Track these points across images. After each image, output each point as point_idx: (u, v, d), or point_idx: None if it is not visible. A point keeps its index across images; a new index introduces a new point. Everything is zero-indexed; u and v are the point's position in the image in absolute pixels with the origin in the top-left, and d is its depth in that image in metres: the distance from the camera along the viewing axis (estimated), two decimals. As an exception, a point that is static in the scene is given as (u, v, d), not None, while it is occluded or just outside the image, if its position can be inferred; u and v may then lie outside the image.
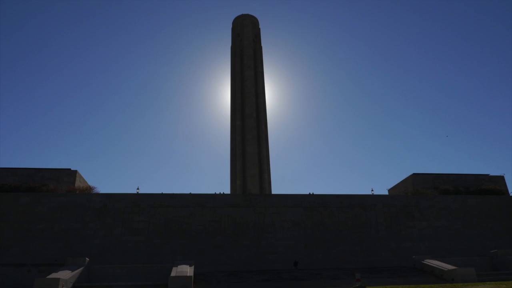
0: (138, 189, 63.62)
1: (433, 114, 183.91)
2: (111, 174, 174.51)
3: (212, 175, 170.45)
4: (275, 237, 60.34)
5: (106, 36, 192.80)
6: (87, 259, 46.16)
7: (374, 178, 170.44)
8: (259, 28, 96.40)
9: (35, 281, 37.09)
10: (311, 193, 65.24)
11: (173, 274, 41.45)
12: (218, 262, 57.17)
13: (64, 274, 39.67)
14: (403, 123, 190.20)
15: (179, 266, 44.71)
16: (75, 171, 68.39)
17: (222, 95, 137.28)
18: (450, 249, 63.29)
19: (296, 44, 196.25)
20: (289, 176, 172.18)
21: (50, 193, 60.03)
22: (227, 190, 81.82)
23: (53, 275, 38.72)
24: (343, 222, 62.85)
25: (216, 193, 64.56)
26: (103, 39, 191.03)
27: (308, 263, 58.10)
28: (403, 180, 79.34)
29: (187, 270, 42.98)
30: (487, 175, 78.27)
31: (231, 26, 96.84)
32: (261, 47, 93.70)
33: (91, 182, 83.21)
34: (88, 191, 62.74)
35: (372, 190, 69.32)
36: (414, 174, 76.75)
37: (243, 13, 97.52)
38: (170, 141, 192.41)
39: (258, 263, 57.82)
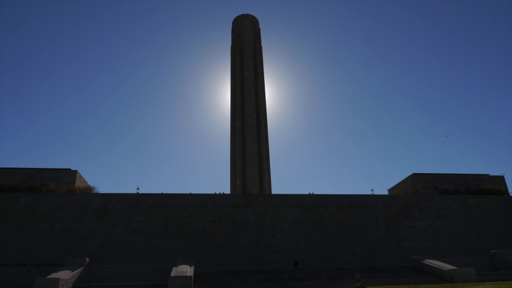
0: (138, 189, 63.60)
1: (433, 114, 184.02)
2: (111, 174, 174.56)
3: (212, 175, 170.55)
4: (275, 237, 60.31)
5: (106, 36, 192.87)
6: (87, 259, 46.14)
7: (374, 178, 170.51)
8: (259, 28, 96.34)
9: (35, 281, 37.09)
10: (311, 193, 65.23)
11: (173, 274, 41.44)
12: (218, 262, 57.15)
13: (64, 274, 39.66)
14: (403, 123, 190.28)
15: (179, 266, 44.70)
16: (75, 171, 68.34)
17: (222, 95, 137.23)
18: (450, 249, 63.26)
19: (296, 44, 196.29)
20: (289, 176, 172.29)
21: (50, 193, 60.00)
22: (227, 190, 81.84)
23: (53, 275, 38.72)
24: (343, 222, 62.81)
25: (216, 193, 64.57)
26: (103, 39, 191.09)
27: (308, 263, 58.08)
28: (403, 180, 79.30)
29: (187, 270, 42.97)
30: (487, 175, 78.22)
31: (231, 26, 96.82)
32: (261, 47, 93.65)
33: (91, 182, 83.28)
34: (88, 191, 62.69)
35: (372, 190, 69.34)
36: (414, 174, 76.70)
37: (243, 13, 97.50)
38: (170, 141, 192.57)
39: (258, 263, 57.81)
